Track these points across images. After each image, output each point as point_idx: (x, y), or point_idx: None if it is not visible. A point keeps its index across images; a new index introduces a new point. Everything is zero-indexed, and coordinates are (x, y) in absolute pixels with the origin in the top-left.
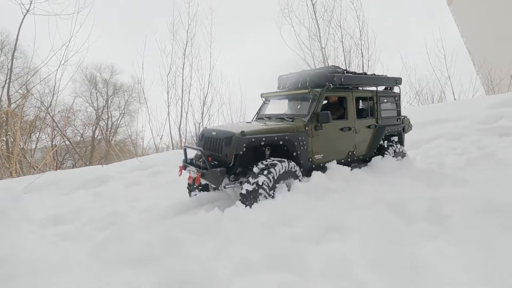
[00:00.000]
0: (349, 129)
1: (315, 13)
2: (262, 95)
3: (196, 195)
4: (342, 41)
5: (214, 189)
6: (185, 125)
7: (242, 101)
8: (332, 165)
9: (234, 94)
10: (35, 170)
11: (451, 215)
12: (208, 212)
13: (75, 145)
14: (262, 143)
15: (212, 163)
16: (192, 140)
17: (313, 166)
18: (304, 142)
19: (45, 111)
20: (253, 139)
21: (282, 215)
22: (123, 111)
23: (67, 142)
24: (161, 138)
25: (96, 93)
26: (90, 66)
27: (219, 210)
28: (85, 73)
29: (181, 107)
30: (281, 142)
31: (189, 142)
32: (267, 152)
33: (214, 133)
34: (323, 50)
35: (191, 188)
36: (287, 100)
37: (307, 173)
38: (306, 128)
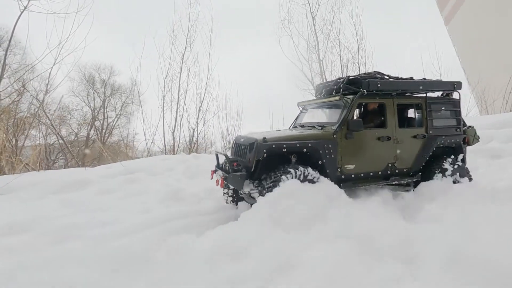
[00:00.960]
0: (388, 138)
1: (314, 26)
2: (298, 104)
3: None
4: (340, 55)
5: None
6: (180, 129)
7: (238, 108)
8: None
9: (231, 101)
10: (15, 169)
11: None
12: (149, 240)
13: (69, 144)
14: (284, 150)
15: (236, 168)
16: (186, 145)
17: (343, 176)
18: (332, 151)
19: (38, 107)
20: (273, 146)
21: (232, 246)
22: (119, 113)
23: (61, 141)
24: (152, 141)
25: (94, 93)
26: (89, 66)
27: (161, 239)
28: (83, 72)
29: (176, 111)
30: (304, 150)
31: (183, 147)
32: (293, 160)
33: (242, 139)
34: (321, 62)
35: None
36: (322, 108)
37: (338, 183)
38: (335, 136)
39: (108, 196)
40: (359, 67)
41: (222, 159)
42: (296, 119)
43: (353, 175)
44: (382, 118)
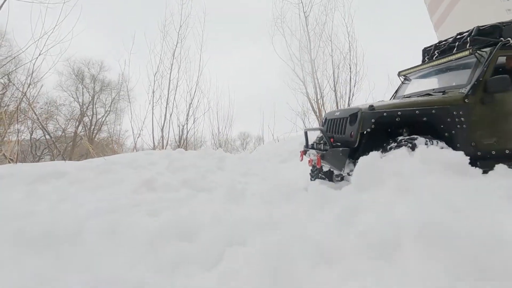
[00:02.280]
0: None
1: (307, 26)
2: (400, 73)
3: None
4: (331, 55)
5: (337, 180)
6: (169, 126)
7: (230, 107)
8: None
9: (223, 99)
10: None
11: None
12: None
13: (56, 140)
14: (397, 120)
15: (334, 144)
16: (175, 141)
17: (479, 153)
18: (463, 119)
19: (20, 99)
20: (384, 114)
21: (186, 226)
22: (108, 109)
23: (47, 136)
24: (138, 136)
25: (82, 89)
26: (78, 61)
27: (107, 221)
28: (72, 66)
29: (166, 107)
30: (424, 119)
31: (173, 144)
32: (405, 134)
33: (337, 113)
34: (313, 62)
35: (313, 173)
36: (435, 74)
37: (472, 163)
38: (467, 101)
39: (78, 186)
40: (350, 67)
41: (312, 138)
42: (396, 92)
43: (493, 152)
44: None
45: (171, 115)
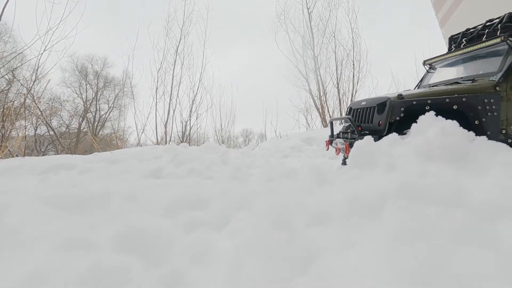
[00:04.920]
0: None
1: (310, 22)
2: (425, 62)
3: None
4: (335, 51)
5: None
6: (172, 122)
7: (232, 104)
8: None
9: (225, 95)
10: None
11: None
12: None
13: (60, 135)
14: (427, 108)
15: (362, 133)
16: (178, 137)
17: (509, 140)
18: (494, 107)
19: (25, 94)
20: (414, 102)
21: (198, 197)
22: (112, 105)
23: (51, 132)
24: (142, 131)
25: (86, 85)
26: (82, 57)
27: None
28: (75, 63)
29: (169, 103)
30: (455, 107)
31: (176, 140)
32: None
33: (364, 103)
34: (316, 58)
35: (344, 161)
36: (462, 63)
37: None
38: (498, 89)
39: (88, 175)
40: (353, 64)
41: (337, 129)
42: (421, 81)
43: None
44: None
45: (174, 111)
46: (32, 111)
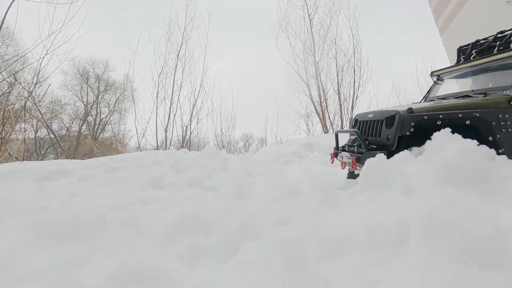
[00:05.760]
0: None
1: (311, 28)
2: (432, 74)
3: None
4: (336, 58)
5: None
6: (172, 126)
7: (233, 108)
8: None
9: (226, 100)
10: None
11: None
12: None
13: (60, 138)
14: (439, 123)
15: (370, 147)
16: (179, 142)
17: None
18: (509, 123)
19: (26, 98)
20: (425, 117)
21: (200, 220)
22: (112, 109)
23: (52, 135)
24: (143, 136)
25: (87, 88)
26: (83, 60)
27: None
28: (77, 66)
29: (170, 108)
30: (468, 122)
31: (176, 145)
32: None
33: (371, 115)
34: (317, 64)
35: (350, 174)
36: (472, 75)
37: None
38: None
39: (86, 183)
40: (354, 70)
41: (343, 140)
42: (428, 92)
43: None
44: None
45: (174, 115)
46: (32, 113)
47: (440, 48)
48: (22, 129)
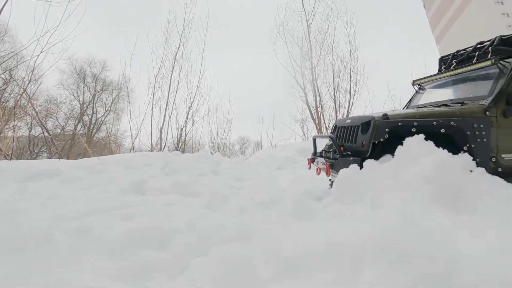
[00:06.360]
0: None
1: (309, 34)
2: (414, 82)
3: None
4: (332, 64)
5: None
6: (167, 128)
7: (229, 111)
8: None
9: (222, 103)
10: None
11: None
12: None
13: (54, 137)
14: (413, 130)
15: (345, 153)
16: (173, 144)
17: (499, 169)
18: (483, 133)
19: (20, 95)
20: (399, 123)
21: (159, 232)
22: (108, 109)
23: (46, 134)
24: (136, 137)
25: (84, 87)
26: (81, 59)
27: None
28: (74, 65)
29: (165, 109)
30: (443, 130)
31: (171, 147)
32: None
33: (348, 121)
34: (314, 70)
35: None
36: (452, 84)
37: None
38: (487, 113)
39: (69, 185)
40: (350, 77)
41: (320, 146)
42: (409, 101)
43: None
44: None
45: (170, 117)
46: (27, 111)
47: (437, 56)
48: (14, 127)
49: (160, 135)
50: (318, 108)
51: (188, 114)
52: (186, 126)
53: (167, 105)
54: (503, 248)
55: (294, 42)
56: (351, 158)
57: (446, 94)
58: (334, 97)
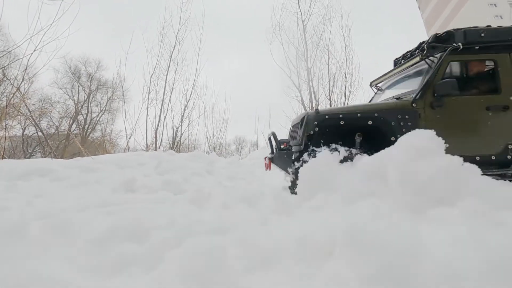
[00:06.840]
0: (506, 108)
1: (304, 34)
2: (371, 84)
3: None
4: (328, 64)
5: None
6: (163, 128)
7: (225, 111)
8: None
9: (218, 103)
10: None
11: None
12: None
13: (48, 137)
14: (341, 123)
15: (282, 147)
16: (169, 144)
17: None
18: (409, 124)
19: (13, 93)
20: (326, 117)
21: (140, 227)
22: (103, 108)
23: (40, 133)
24: (130, 136)
25: (78, 87)
26: (75, 58)
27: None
28: (69, 64)
29: (161, 109)
30: (370, 123)
31: (166, 145)
32: (357, 140)
33: (296, 119)
34: (309, 70)
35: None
36: (398, 83)
37: None
38: (414, 105)
39: (59, 183)
40: (345, 77)
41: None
42: (370, 101)
43: None
44: (493, 81)
45: (165, 117)
46: (20, 110)
47: None
48: (6, 126)
49: (156, 134)
50: (314, 108)
51: (183, 113)
52: (181, 126)
53: (162, 105)
54: (459, 238)
55: (290, 42)
56: (284, 151)
57: (396, 92)
58: (330, 97)
